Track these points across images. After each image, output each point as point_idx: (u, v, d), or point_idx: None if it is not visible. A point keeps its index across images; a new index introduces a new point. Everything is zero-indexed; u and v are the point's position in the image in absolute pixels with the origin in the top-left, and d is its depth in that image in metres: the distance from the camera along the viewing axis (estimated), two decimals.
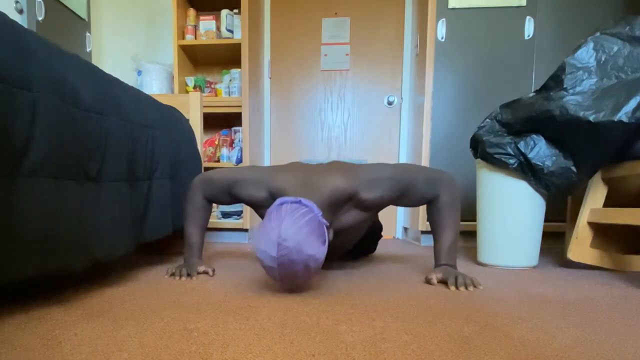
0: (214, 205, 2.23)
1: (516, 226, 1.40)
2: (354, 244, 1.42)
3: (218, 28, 2.30)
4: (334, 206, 1.10)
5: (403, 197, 1.16)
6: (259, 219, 2.48)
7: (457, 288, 1.04)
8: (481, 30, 2.03)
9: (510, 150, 1.36)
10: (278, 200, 0.98)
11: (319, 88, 2.64)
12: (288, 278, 0.94)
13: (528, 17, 2.00)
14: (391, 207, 2.62)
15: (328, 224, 1.01)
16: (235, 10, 2.28)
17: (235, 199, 1.25)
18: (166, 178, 1.33)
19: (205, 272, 1.22)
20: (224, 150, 2.32)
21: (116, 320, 0.75)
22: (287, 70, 2.64)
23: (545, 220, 1.46)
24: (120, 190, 1.06)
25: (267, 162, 2.67)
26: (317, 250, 0.92)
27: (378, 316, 0.79)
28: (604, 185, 1.34)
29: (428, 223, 2.00)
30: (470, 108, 2.06)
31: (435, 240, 1.17)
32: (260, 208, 1.21)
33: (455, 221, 1.16)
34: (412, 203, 1.19)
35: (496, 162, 1.39)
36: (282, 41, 2.62)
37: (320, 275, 1.24)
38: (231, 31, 2.28)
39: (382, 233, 2.43)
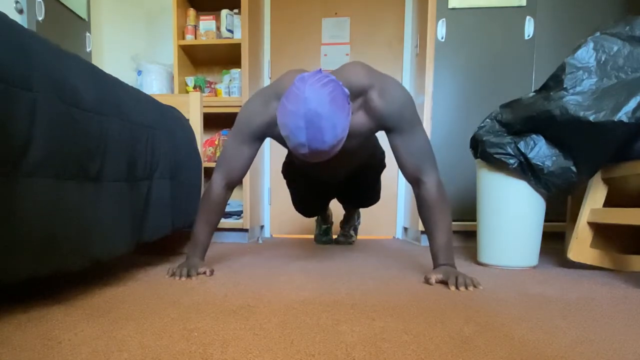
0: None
1: (516, 226, 1.40)
2: (357, 165, 1.37)
3: (218, 28, 2.30)
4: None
5: (399, 132, 1.13)
6: (259, 218, 2.48)
7: (457, 288, 1.04)
8: (481, 30, 2.03)
9: (510, 150, 1.36)
10: (297, 77, 0.95)
11: None
12: (316, 147, 0.92)
13: (528, 17, 2.00)
14: (391, 206, 2.61)
15: (349, 93, 0.98)
16: (235, 10, 2.28)
17: (253, 143, 1.19)
18: (166, 178, 1.33)
19: (204, 273, 1.22)
20: None
21: (116, 320, 0.75)
22: (287, 70, 2.63)
23: (545, 220, 1.46)
24: (120, 190, 1.06)
25: (267, 162, 2.67)
26: (342, 120, 0.90)
27: (378, 316, 0.79)
28: (604, 185, 1.34)
29: None
30: (470, 108, 2.06)
31: (431, 240, 1.17)
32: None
33: (447, 219, 1.15)
34: (401, 150, 1.16)
35: (496, 162, 1.39)
36: (282, 41, 2.62)
37: (320, 275, 1.24)
38: (231, 31, 2.28)
39: (382, 233, 2.43)
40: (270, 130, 1.21)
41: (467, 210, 1.99)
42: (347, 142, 1.21)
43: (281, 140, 1.27)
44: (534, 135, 1.34)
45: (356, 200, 1.74)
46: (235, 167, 1.24)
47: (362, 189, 1.63)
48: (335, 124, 0.91)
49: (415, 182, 1.19)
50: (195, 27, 2.29)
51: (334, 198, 1.92)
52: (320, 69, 0.97)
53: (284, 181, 1.89)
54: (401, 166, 1.20)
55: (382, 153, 1.71)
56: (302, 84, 0.92)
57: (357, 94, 1.11)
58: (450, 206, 1.17)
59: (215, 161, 2.33)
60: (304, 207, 1.87)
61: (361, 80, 1.09)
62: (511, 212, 1.40)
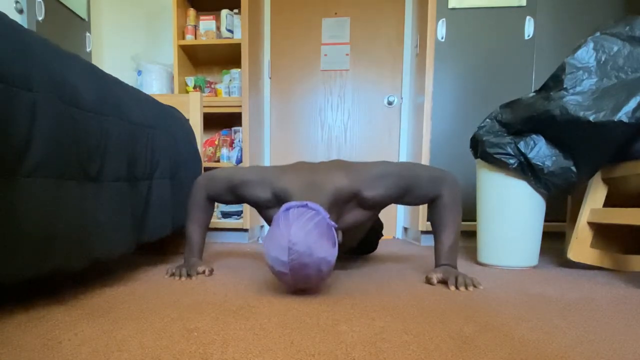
0: (215, 205, 2.24)
1: (516, 226, 1.40)
2: (356, 243, 1.42)
3: (218, 28, 2.30)
4: (338, 206, 1.09)
5: (405, 195, 1.16)
6: (259, 218, 2.48)
7: (457, 288, 1.04)
8: (481, 30, 2.03)
9: (510, 150, 1.36)
10: (284, 206, 0.97)
11: (319, 88, 2.64)
12: (300, 282, 0.93)
13: (528, 17, 2.00)
14: (391, 206, 2.61)
15: (336, 226, 1.00)
16: (235, 10, 2.28)
17: (238, 199, 1.24)
18: (166, 178, 1.33)
19: (203, 272, 1.22)
20: (224, 150, 2.32)
21: (116, 320, 0.75)
22: (287, 70, 2.64)
23: (545, 220, 1.46)
24: (120, 190, 1.06)
25: (267, 162, 2.67)
26: (328, 252, 0.91)
27: (378, 316, 0.79)
28: (604, 185, 1.34)
29: (428, 223, 2.01)
30: (470, 108, 2.06)
31: (436, 240, 1.17)
32: (263, 209, 1.20)
33: (457, 221, 1.16)
34: (414, 201, 1.18)
35: (496, 162, 1.39)
36: (282, 41, 2.62)
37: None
38: (231, 31, 2.28)
39: (383, 232, 2.43)
40: (257, 206, 1.22)
41: (467, 210, 1.99)
42: (348, 234, 1.24)
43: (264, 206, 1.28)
44: (534, 135, 1.34)
45: (355, 253, 1.75)
46: (216, 197, 1.27)
47: (362, 248, 1.66)
48: (320, 269, 0.91)
49: (435, 199, 1.20)
50: (195, 27, 2.29)
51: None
52: (307, 203, 0.96)
53: None
54: (420, 204, 1.22)
55: (378, 218, 1.69)
56: (286, 228, 0.90)
57: (349, 199, 1.13)
58: (461, 207, 1.17)
59: (216, 161, 2.34)
60: None
61: (349, 188, 1.10)
62: (511, 212, 1.40)
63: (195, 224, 1.27)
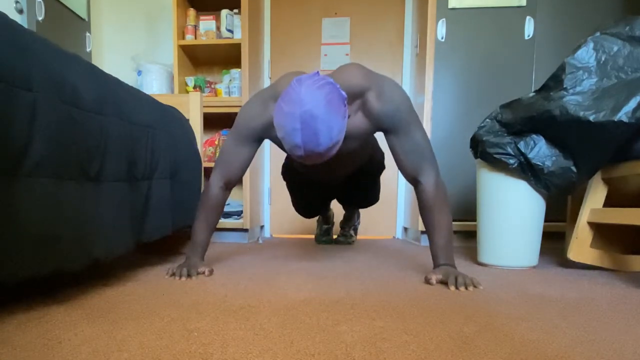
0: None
1: (516, 226, 1.40)
2: (357, 167, 1.38)
3: (218, 28, 2.30)
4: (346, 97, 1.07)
5: (396, 133, 1.14)
6: (259, 218, 2.48)
7: (457, 288, 1.04)
8: (481, 30, 2.03)
9: (510, 150, 1.36)
10: (294, 79, 0.95)
11: None
12: (312, 149, 0.92)
13: (528, 17, 2.00)
14: (391, 206, 2.61)
15: (346, 96, 0.99)
16: (235, 10, 2.28)
17: (251, 144, 1.20)
18: (166, 178, 1.33)
19: (203, 273, 1.22)
20: None
21: (116, 320, 0.75)
22: (287, 70, 2.63)
23: (545, 220, 1.46)
24: (120, 190, 1.06)
25: (267, 162, 2.67)
26: (340, 113, 0.90)
27: (378, 316, 0.80)
28: (604, 185, 1.34)
29: None
30: (470, 108, 2.05)
31: (430, 240, 1.17)
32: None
33: (446, 219, 1.15)
34: (399, 151, 1.16)
35: (496, 162, 1.39)
36: (282, 41, 2.62)
37: (320, 275, 1.24)
38: (231, 31, 2.28)
39: (382, 233, 2.43)
40: (268, 132, 1.21)
41: (467, 210, 1.99)
42: (345, 144, 1.22)
43: (279, 143, 1.27)
44: (534, 135, 1.34)
45: (356, 201, 1.74)
46: (233, 168, 1.25)
47: (362, 190, 1.63)
48: (331, 127, 0.91)
49: (413, 182, 1.20)
50: (195, 27, 2.29)
51: (333, 199, 1.92)
52: (318, 72, 0.97)
53: (284, 181, 1.89)
54: (399, 167, 1.21)
55: (382, 155, 1.71)
56: (298, 86, 0.92)
57: (355, 96, 1.11)
58: (451, 205, 1.17)
59: (215, 161, 2.33)
60: (304, 208, 1.87)
61: (359, 83, 1.09)
62: (511, 212, 1.40)
63: (204, 224, 1.26)
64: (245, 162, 1.25)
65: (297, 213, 1.91)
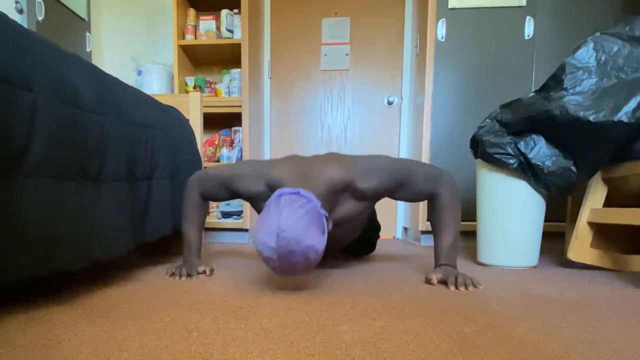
0: (214, 204, 2.24)
1: (516, 226, 1.40)
2: (351, 241, 1.42)
3: (218, 28, 2.30)
4: (331, 196, 1.09)
5: (400, 190, 1.16)
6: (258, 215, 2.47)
7: (457, 288, 1.04)
8: (481, 30, 2.03)
9: (510, 150, 1.36)
10: (276, 192, 0.97)
11: (319, 88, 2.64)
12: (287, 269, 0.93)
13: (528, 17, 2.00)
14: (391, 206, 2.61)
15: (327, 215, 1.00)
16: (235, 10, 2.28)
17: (232, 194, 1.24)
18: (166, 178, 1.33)
19: (203, 272, 1.22)
20: (224, 150, 2.32)
21: (116, 320, 0.75)
22: (287, 70, 2.64)
23: (545, 220, 1.46)
24: (120, 190, 1.06)
25: None
26: (317, 240, 0.91)
27: (378, 316, 0.79)
28: (604, 185, 1.34)
29: (428, 223, 2.00)
30: (470, 108, 2.05)
31: (436, 240, 1.17)
32: (258, 202, 1.20)
33: (456, 221, 1.16)
34: (409, 197, 1.18)
35: (496, 162, 1.39)
36: (282, 41, 2.62)
37: (320, 275, 1.24)
38: (231, 31, 2.28)
39: (382, 233, 2.43)
40: (252, 201, 1.22)
41: (467, 210, 1.99)
42: (342, 228, 1.24)
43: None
44: (534, 135, 1.34)
45: (352, 254, 1.74)
46: (211, 196, 1.27)
47: (358, 248, 1.65)
48: (307, 256, 0.91)
49: (431, 198, 1.20)
50: (195, 27, 2.29)
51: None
52: (300, 191, 0.96)
53: None
54: (416, 201, 1.23)
55: (375, 215, 1.69)
56: (277, 213, 0.91)
57: (343, 190, 1.12)
58: (460, 206, 1.18)
59: (216, 161, 2.34)
60: None
61: (342, 179, 1.09)
62: (511, 212, 1.40)
63: (192, 225, 1.27)
64: (222, 199, 1.28)
65: None
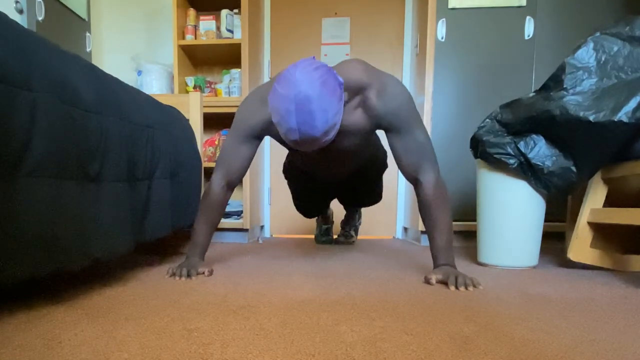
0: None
1: (516, 226, 1.40)
2: (358, 166, 1.38)
3: (218, 28, 2.30)
4: (345, 94, 1.07)
5: (398, 133, 1.14)
6: (259, 218, 2.48)
7: (457, 288, 1.04)
8: (481, 30, 2.03)
9: (510, 150, 1.36)
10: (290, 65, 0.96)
11: None
12: (306, 132, 0.91)
13: (528, 17, 2.00)
14: (391, 206, 2.62)
15: (343, 82, 0.98)
16: (235, 10, 2.28)
17: (253, 143, 1.20)
18: (166, 178, 1.33)
19: (202, 273, 1.22)
20: None
21: (116, 320, 0.75)
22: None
23: (545, 220, 1.46)
24: (120, 190, 1.06)
25: (267, 162, 2.67)
26: (333, 99, 0.89)
27: (378, 316, 0.79)
28: (604, 185, 1.34)
29: None
30: (470, 108, 2.06)
31: (430, 240, 1.17)
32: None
33: (446, 219, 1.15)
34: (399, 150, 1.16)
35: (496, 162, 1.39)
36: (282, 41, 2.62)
37: (320, 275, 1.24)
38: (231, 31, 2.28)
39: (382, 233, 2.44)
40: (268, 128, 1.20)
41: (467, 210, 1.99)
42: (345, 140, 1.21)
43: (279, 139, 1.26)
44: (534, 135, 1.34)
45: (358, 201, 1.74)
46: (234, 167, 1.24)
47: (364, 189, 1.63)
48: (326, 109, 0.90)
49: (413, 181, 1.20)
50: (195, 27, 2.29)
51: (335, 198, 1.91)
52: (314, 57, 0.97)
53: (284, 181, 1.89)
54: (399, 166, 1.21)
55: (384, 153, 1.71)
56: (293, 68, 0.92)
57: (355, 92, 1.10)
58: (451, 205, 1.17)
59: (215, 161, 2.34)
60: (304, 206, 1.87)
61: (359, 78, 1.08)
62: (511, 212, 1.40)
63: (205, 224, 1.25)
64: (246, 160, 1.24)
65: (297, 212, 1.90)
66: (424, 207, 1.17)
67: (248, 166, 1.27)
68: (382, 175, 1.66)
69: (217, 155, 2.35)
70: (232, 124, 1.23)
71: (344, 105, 1.12)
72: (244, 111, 1.20)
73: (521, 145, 1.35)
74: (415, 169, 1.16)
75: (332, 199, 1.92)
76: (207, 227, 1.26)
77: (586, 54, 1.26)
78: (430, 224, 1.16)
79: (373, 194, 1.65)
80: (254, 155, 1.27)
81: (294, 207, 2.67)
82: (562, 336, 0.69)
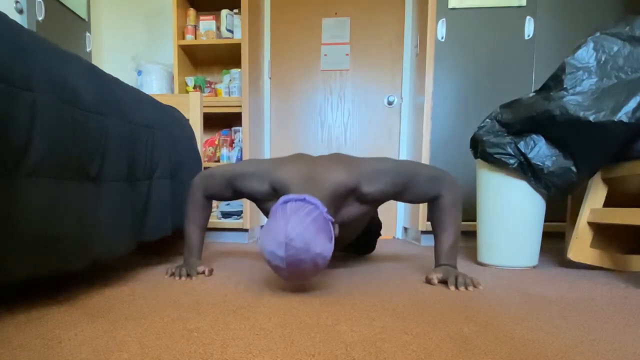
0: (214, 204, 2.24)
1: (516, 226, 1.40)
2: (353, 239, 1.42)
3: (218, 28, 2.30)
4: (336, 200, 1.09)
5: (404, 192, 1.16)
6: (259, 218, 2.48)
7: (457, 288, 1.04)
8: (481, 30, 2.03)
9: (510, 150, 1.36)
10: (282, 199, 0.97)
11: (319, 88, 2.64)
12: (296, 276, 0.93)
13: (528, 17, 2.00)
14: (391, 206, 2.62)
15: (333, 220, 1.00)
16: (235, 10, 2.28)
17: (236, 194, 1.24)
18: (166, 178, 1.33)
19: (202, 272, 1.22)
20: (224, 150, 2.32)
21: (116, 320, 0.75)
22: (287, 70, 2.64)
23: (545, 220, 1.46)
24: (120, 190, 1.06)
25: None
26: (325, 247, 0.91)
27: (378, 316, 0.79)
28: (604, 185, 1.34)
29: (429, 223, 2.01)
30: (470, 108, 2.05)
31: (436, 240, 1.17)
32: (262, 202, 1.20)
33: (457, 222, 1.16)
34: (413, 199, 1.19)
35: (496, 162, 1.39)
36: (282, 41, 2.62)
37: (320, 274, 1.24)
38: (231, 31, 2.28)
39: (382, 232, 2.43)
40: (256, 201, 1.22)
41: (467, 210, 1.99)
42: (345, 228, 1.24)
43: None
44: (534, 135, 1.34)
45: (353, 252, 1.74)
46: (216, 196, 1.27)
47: (360, 247, 1.66)
48: (316, 263, 0.91)
49: (434, 199, 1.20)
50: (195, 27, 2.29)
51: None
52: (305, 197, 0.95)
53: None
54: (420, 203, 1.23)
55: (378, 223, 1.69)
56: (284, 222, 0.90)
57: (348, 194, 1.12)
58: (461, 208, 1.18)
59: (216, 161, 2.34)
60: None
61: (348, 183, 1.09)
62: (511, 212, 1.40)
63: (194, 225, 1.27)
64: (227, 198, 1.28)
65: None
66: (437, 209, 1.17)
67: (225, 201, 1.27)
68: (378, 233, 1.68)
69: (217, 154, 2.36)
70: (233, 169, 1.22)
71: (341, 209, 1.14)
72: (247, 174, 1.19)
73: (521, 145, 1.35)
74: (434, 196, 1.17)
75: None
76: (198, 228, 1.28)
77: (586, 54, 1.26)
78: (440, 225, 1.17)
79: (367, 247, 1.68)
80: (232, 200, 1.31)
81: None
82: (562, 336, 0.69)
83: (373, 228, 1.60)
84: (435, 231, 1.18)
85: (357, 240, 1.59)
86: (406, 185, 1.15)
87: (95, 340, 0.64)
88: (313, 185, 1.05)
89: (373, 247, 1.69)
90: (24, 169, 0.72)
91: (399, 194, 1.17)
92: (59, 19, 2.10)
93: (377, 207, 1.24)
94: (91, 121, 0.92)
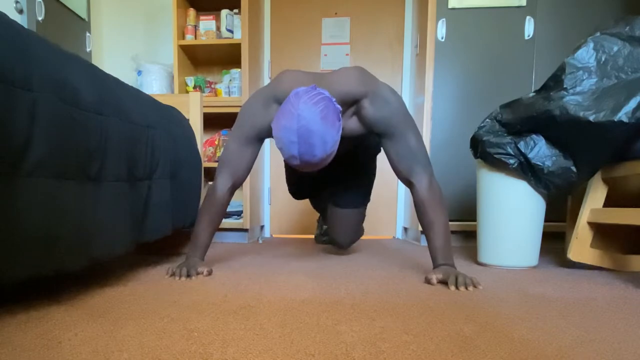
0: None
1: (516, 226, 1.40)
2: (351, 165, 1.45)
3: (218, 28, 2.30)
4: (341, 104, 1.14)
5: (391, 138, 1.19)
6: (259, 218, 2.48)
7: (457, 288, 1.04)
8: (481, 30, 2.03)
9: (510, 150, 1.36)
10: (292, 91, 1.03)
11: None
12: (306, 152, 0.99)
13: (528, 17, 2.00)
14: (391, 206, 2.62)
15: (341, 109, 1.07)
16: (235, 10, 2.28)
17: (254, 143, 1.25)
18: (166, 178, 1.33)
19: (201, 273, 1.21)
20: None
21: (116, 320, 0.75)
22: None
23: (545, 220, 1.46)
24: (120, 191, 1.06)
25: (267, 162, 2.67)
26: (334, 127, 0.98)
27: (378, 316, 0.80)
28: (604, 185, 1.34)
29: None
30: (470, 108, 2.06)
31: (428, 241, 1.18)
32: None
33: (442, 219, 1.16)
34: (393, 155, 1.20)
35: (496, 162, 1.39)
36: (282, 41, 2.62)
37: (320, 275, 1.24)
38: (231, 31, 2.28)
39: (382, 233, 2.44)
40: (270, 132, 1.25)
41: (467, 210, 1.99)
42: (340, 145, 1.29)
43: None
44: (534, 135, 1.34)
45: (341, 200, 1.70)
46: (240, 169, 1.27)
47: (351, 188, 1.64)
48: (325, 141, 0.99)
49: (408, 184, 1.24)
50: (195, 27, 2.29)
51: (324, 190, 1.88)
52: (315, 85, 1.04)
53: (284, 181, 1.88)
54: (394, 169, 1.25)
55: (373, 171, 1.69)
56: (296, 101, 0.99)
57: (351, 103, 1.17)
58: (446, 206, 1.19)
59: (216, 161, 2.33)
60: (295, 189, 1.86)
61: (354, 89, 1.15)
62: (511, 212, 1.40)
63: (206, 224, 1.26)
64: (251, 162, 1.28)
65: (297, 212, 1.89)
66: (419, 209, 1.20)
67: (251, 167, 1.31)
68: (369, 186, 1.66)
69: (218, 155, 2.36)
70: (235, 126, 1.25)
71: (344, 112, 1.20)
72: (248, 113, 1.23)
73: (521, 145, 1.35)
74: (409, 173, 1.20)
75: (321, 190, 1.89)
76: (209, 228, 1.27)
77: (586, 54, 1.26)
78: (427, 226, 1.17)
79: (358, 198, 1.64)
80: (256, 157, 1.31)
81: (294, 207, 2.68)
82: (562, 336, 0.69)
83: (369, 170, 1.61)
84: (425, 232, 1.19)
85: (354, 178, 1.60)
86: (396, 133, 1.17)
87: (95, 340, 0.64)
88: (322, 86, 1.12)
89: (368, 198, 1.66)
90: (24, 169, 0.72)
91: (386, 135, 1.19)
92: (59, 19, 2.10)
93: (368, 137, 1.25)
94: (91, 121, 0.92)
